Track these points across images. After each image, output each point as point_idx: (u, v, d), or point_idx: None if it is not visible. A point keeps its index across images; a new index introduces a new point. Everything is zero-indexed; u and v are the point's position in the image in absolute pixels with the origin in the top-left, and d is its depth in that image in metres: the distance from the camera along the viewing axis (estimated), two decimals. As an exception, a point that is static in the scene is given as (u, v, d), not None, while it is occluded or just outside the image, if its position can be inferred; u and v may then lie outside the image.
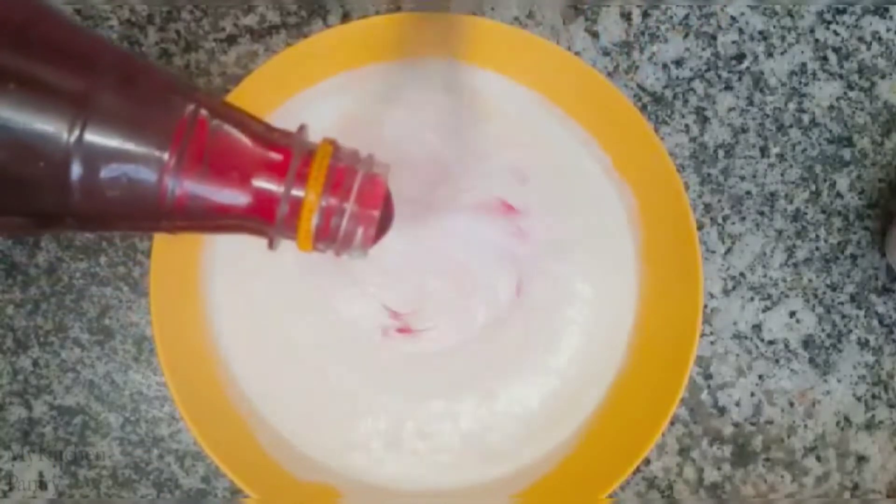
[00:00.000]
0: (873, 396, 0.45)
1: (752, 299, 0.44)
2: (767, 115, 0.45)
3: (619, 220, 0.41)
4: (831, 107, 0.45)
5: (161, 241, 0.37)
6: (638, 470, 0.44)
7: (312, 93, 0.40)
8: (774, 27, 0.45)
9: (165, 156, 0.24)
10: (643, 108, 0.44)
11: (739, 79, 0.45)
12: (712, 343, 0.44)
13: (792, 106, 0.45)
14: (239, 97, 0.37)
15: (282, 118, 0.40)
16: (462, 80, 0.40)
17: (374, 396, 0.40)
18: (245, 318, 0.40)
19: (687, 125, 0.45)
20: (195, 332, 0.39)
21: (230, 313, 0.40)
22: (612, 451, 0.38)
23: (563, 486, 0.39)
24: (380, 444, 0.40)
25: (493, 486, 0.40)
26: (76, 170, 0.24)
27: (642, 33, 0.44)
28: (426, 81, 0.41)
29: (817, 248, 0.45)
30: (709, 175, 0.45)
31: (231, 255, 0.40)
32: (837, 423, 0.44)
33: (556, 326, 0.40)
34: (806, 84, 0.45)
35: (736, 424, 0.44)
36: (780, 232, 0.45)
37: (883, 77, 0.45)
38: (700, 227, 0.44)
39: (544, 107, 0.40)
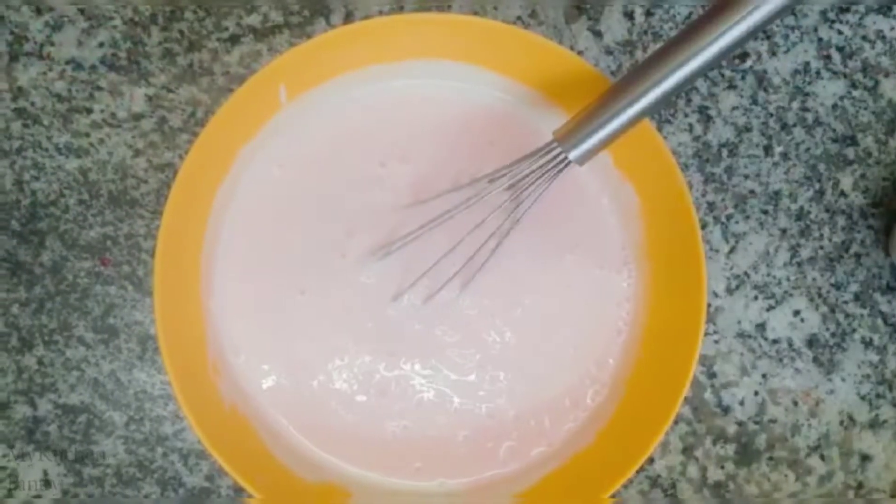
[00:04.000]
0: (877, 395, 0.44)
1: (755, 298, 0.44)
2: (771, 114, 0.45)
3: (621, 218, 0.41)
4: (835, 105, 0.45)
5: (165, 241, 0.37)
6: (642, 469, 0.44)
7: (317, 92, 0.40)
8: (778, 26, 0.45)
9: None
10: (646, 106, 0.44)
11: (743, 77, 0.45)
12: (716, 342, 0.44)
13: (795, 105, 0.45)
14: (243, 96, 0.37)
15: (287, 118, 0.40)
16: (468, 80, 0.41)
17: (378, 397, 0.40)
18: (249, 317, 0.40)
19: (690, 124, 0.44)
20: (199, 331, 0.39)
21: (234, 313, 0.40)
22: (615, 450, 0.38)
23: (566, 486, 0.39)
24: (384, 444, 0.40)
25: (497, 486, 0.40)
26: None
27: (645, 32, 0.44)
28: (432, 81, 0.41)
29: (821, 247, 0.45)
30: (712, 174, 0.44)
31: (235, 255, 0.40)
32: (841, 422, 0.44)
33: (558, 326, 0.40)
34: (810, 83, 0.45)
35: (740, 423, 0.44)
36: (783, 231, 0.45)
37: (887, 75, 0.45)
38: (704, 226, 0.44)
39: (544, 105, 0.40)
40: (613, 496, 0.37)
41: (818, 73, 0.45)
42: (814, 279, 0.45)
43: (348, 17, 0.44)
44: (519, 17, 0.44)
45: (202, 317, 0.39)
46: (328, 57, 0.38)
